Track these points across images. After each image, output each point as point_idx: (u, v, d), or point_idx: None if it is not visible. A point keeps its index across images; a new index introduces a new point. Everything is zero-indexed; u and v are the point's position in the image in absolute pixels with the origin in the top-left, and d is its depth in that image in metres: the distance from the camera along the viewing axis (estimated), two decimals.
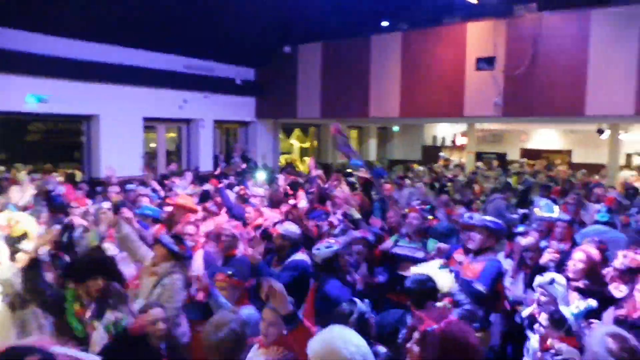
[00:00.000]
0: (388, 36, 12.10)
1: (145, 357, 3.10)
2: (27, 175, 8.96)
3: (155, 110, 11.44)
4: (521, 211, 7.79)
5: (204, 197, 7.23)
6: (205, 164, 12.39)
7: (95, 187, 8.39)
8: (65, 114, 10.16)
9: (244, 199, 7.04)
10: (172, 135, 13.19)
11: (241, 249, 5.10)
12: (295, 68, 13.36)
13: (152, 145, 12.55)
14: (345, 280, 4.13)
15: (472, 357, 2.03)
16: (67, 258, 4.55)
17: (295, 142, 17.30)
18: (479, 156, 15.68)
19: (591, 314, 3.49)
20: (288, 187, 7.65)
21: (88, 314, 3.49)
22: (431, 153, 17.84)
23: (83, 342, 3.33)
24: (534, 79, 9.84)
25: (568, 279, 3.81)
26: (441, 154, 17.58)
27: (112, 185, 7.32)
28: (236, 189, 7.65)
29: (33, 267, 3.61)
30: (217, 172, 10.37)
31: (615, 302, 3.60)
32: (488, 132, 17.86)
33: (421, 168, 13.50)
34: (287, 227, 4.67)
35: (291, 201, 5.92)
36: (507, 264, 5.04)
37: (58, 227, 4.65)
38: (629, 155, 15.51)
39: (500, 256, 4.85)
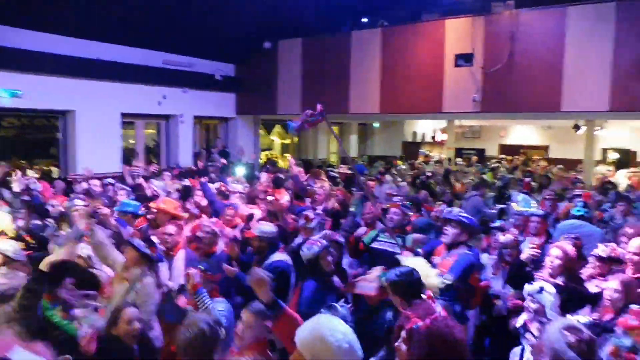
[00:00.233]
0: (368, 32, 12.12)
1: (118, 358, 3.06)
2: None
3: (133, 106, 11.29)
4: (499, 206, 7.90)
5: (185, 193, 7.19)
6: (185, 161, 12.28)
7: (72, 185, 8.27)
8: (40, 109, 9.98)
9: (224, 194, 7.02)
10: (152, 131, 13.05)
11: (221, 246, 5.11)
12: (276, 64, 13.31)
13: (131, 141, 12.41)
14: (329, 281, 4.16)
15: (458, 352, 2.04)
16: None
17: (276, 139, 17.26)
18: (459, 152, 15.86)
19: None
20: (269, 184, 7.68)
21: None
22: (411, 149, 17.96)
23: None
24: (512, 76, 9.96)
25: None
26: (421, 150, 17.71)
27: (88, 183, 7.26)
28: (216, 185, 7.61)
29: (35, 292, 3.34)
30: (199, 166, 10.38)
31: (591, 300, 3.66)
32: (467, 128, 18.04)
33: (404, 166, 13.57)
34: (261, 227, 4.66)
35: (269, 197, 5.91)
36: (484, 258, 5.13)
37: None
38: (604, 151, 15.81)
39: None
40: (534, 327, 3.33)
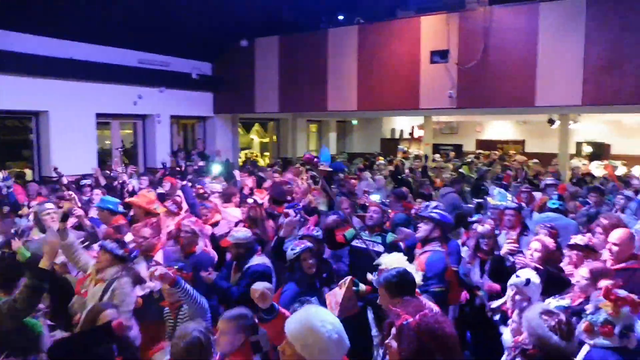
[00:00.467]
0: (344, 30, 12.14)
1: (95, 357, 3.02)
2: None
3: (108, 106, 11.12)
4: (476, 201, 7.99)
5: (163, 195, 7.13)
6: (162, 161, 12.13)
7: (47, 185, 8.14)
8: (11, 110, 9.75)
9: (203, 197, 6.95)
10: (128, 132, 12.86)
11: (201, 245, 5.08)
12: (253, 62, 13.25)
13: (107, 142, 12.22)
14: (310, 282, 4.18)
15: (449, 347, 2.03)
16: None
17: (255, 137, 17.18)
18: (436, 148, 16.01)
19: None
20: (254, 185, 7.66)
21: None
22: (390, 146, 18.05)
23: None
24: (486, 72, 10.08)
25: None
26: (400, 146, 17.81)
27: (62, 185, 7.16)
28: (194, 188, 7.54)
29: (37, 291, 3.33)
30: (180, 166, 10.29)
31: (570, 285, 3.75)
32: (444, 124, 18.21)
33: (384, 162, 13.63)
34: (236, 234, 4.65)
35: (250, 200, 5.89)
36: (464, 252, 5.20)
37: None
38: (578, 144, 16.12)
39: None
40: (515, 313, 3.39)
